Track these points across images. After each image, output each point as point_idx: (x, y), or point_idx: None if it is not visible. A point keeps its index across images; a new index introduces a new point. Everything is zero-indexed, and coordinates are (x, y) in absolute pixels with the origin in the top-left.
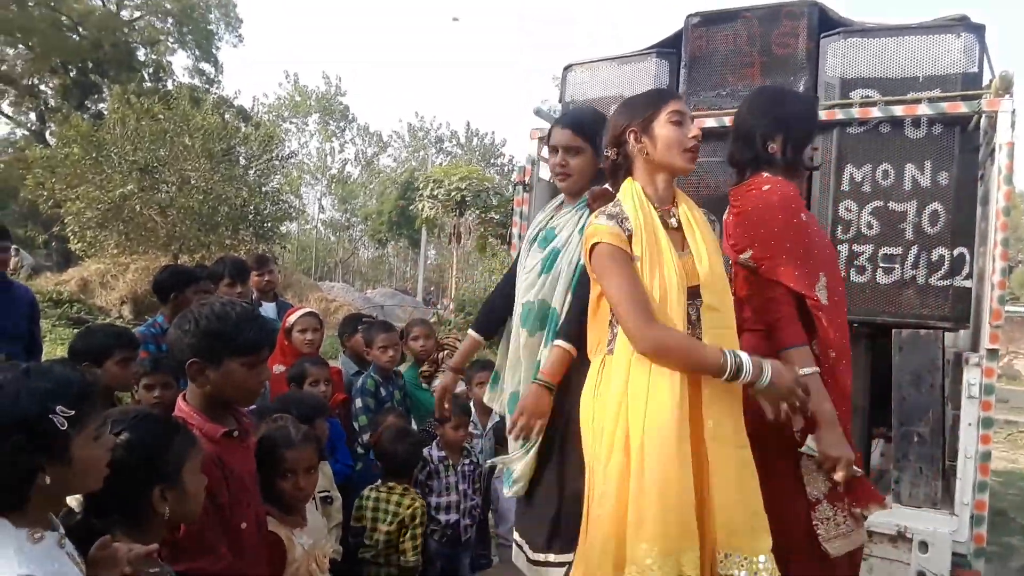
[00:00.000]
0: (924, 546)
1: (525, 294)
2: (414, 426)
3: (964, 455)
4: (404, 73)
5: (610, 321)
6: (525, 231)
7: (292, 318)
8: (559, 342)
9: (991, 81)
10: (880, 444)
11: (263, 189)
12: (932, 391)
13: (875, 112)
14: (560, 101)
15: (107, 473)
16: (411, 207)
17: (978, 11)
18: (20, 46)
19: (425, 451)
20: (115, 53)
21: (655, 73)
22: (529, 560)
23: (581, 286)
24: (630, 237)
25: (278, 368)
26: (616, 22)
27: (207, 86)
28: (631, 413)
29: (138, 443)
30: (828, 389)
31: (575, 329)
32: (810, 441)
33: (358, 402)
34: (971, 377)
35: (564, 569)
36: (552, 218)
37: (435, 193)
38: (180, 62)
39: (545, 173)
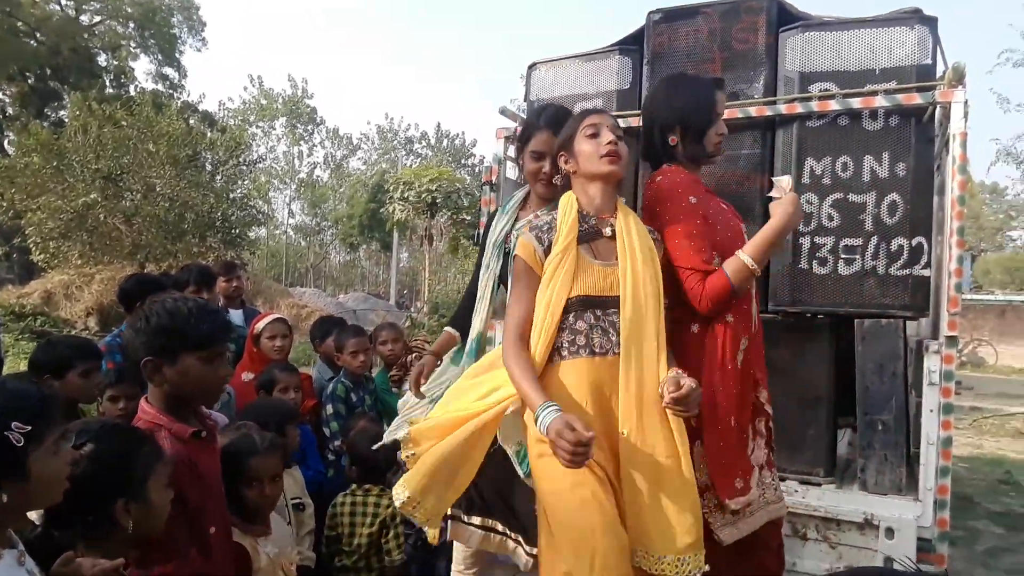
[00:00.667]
0: (890, 532)
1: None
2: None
3: (927, 441)
4: (372, 74)
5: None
6: None
7: (260, 324)
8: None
9: (944, 73)
10: (847, 434)
11: (230, 195)
12: (895, 379)
13: (833, 105)
14: (525, 99)
15: (67, 487)
16: (382, 210)
17: (929, 3)
18: None
19: (399, 455)
20: (75, 59)
21: (618, 70)
22: (529, 555)
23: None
24: (547, 249)
25: (247, 376)
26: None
27: (171, 91)
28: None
29: (102, 455)
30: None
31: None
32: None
33: (329, 408)
34: (931, 364)
35: None
36: (518, 221)
37: (406, 195)
38: (143, 67)
39: (512, 173)
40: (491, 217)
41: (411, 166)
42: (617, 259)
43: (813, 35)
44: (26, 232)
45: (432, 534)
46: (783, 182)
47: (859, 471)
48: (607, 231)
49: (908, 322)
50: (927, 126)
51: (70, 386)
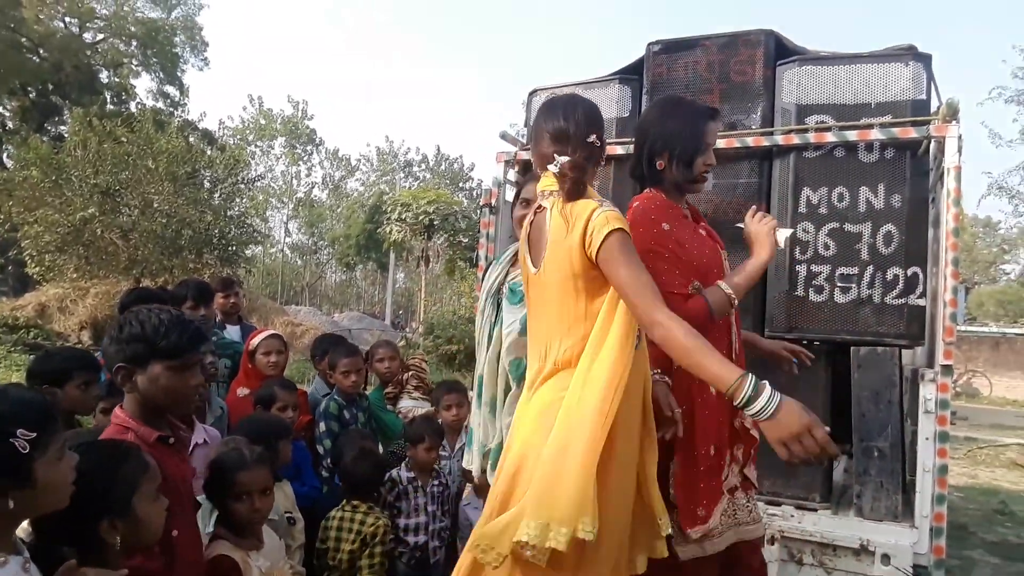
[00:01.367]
0: (886, 559)
1: (511, 353)
2: (380, 448)
3: (922, 469)
4: (373, 97)
5: (573, 343)
6: (492, 252)
7: (255, 341)
8: None
9: (939, 108)
10: (843, 460)
11: (228, 212)
12: (890, 407)
13: (830, 137)
14: (525, 125)
15: (73, 491)
16: (379, 230)
17: (924, 41)
18: None
19: (394, 472)
20: (77, 75)
21: (617, 98)
22: None
23: None
24: None
25: (242, 391)
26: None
27: (171, 109)
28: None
29: (83, 472)
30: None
31: None
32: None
33: (321, 426)
34: (927, 392)
35: None
36: (509, 274)
37: (403, 216)
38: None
39: (511, 196)
40: (488, 263)
41: (409, 188)
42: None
43: (810, 69)
44: (22, 245)
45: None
46: (784, 234)
47: (855, 497)
48: None
49: (903, 351)
50: (922, 159)
51: (68, 397)
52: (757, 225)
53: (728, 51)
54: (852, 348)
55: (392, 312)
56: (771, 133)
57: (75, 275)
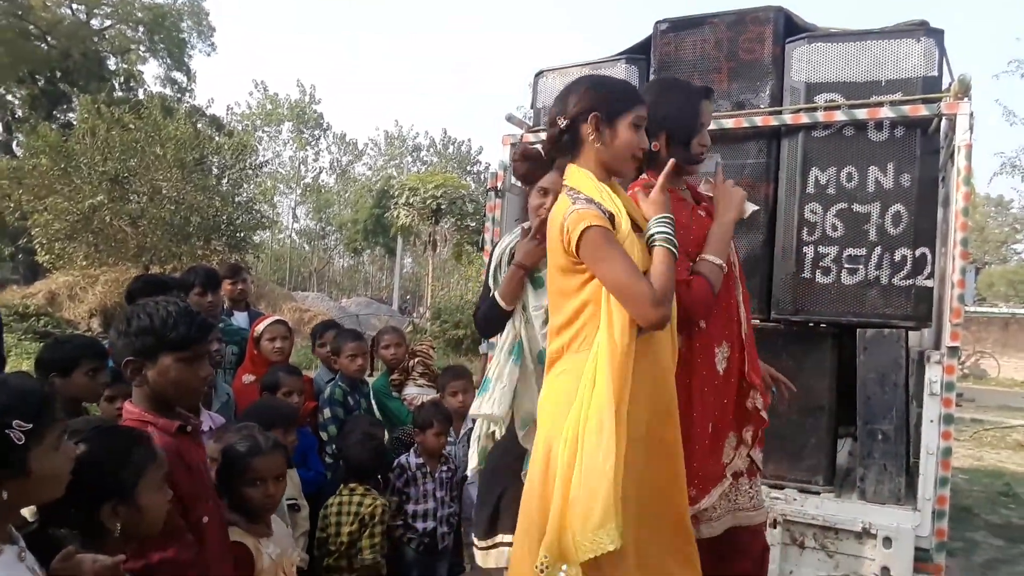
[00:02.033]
0: (888, 541)
1: (535, 343)
2: (385, 435)
3: (926, 451)
4: (382, 80)
5: (577, 325)
6: (499, 236)
7: (260, 327)
8: None
9: (950, 84)
10: (847, 443)
11: (236, 199)
12: (896, 389)
13: (839, 116)
14: (532, 107)
15: (69, 480)
16: (386, 215)
17: (937, 16)
18: None
19: (403, 458)
20: (84, 62)
21: (625, 78)
22: (479, 548)
23: None
24: (611, 219)
25: (248, 378)
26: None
27: (179, 95)
28: (586, 410)
29: (91, 456)
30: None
31: None
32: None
33: (326, 412)
34: (933, 375)
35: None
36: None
37: (411, 201)
38: (151, 71)
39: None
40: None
41: (417, 172)
42: None
43: (819, 46)
44: (32, 233)
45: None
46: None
47: (858, 480)
48: None
49: (910, 332)
50: (932, 137)
51: (76, 385)
52: (729, 187)
53: (737, 29)
54: (858, 330)
55: (399, 297)
56: (780, 112)
57: (84, 263)
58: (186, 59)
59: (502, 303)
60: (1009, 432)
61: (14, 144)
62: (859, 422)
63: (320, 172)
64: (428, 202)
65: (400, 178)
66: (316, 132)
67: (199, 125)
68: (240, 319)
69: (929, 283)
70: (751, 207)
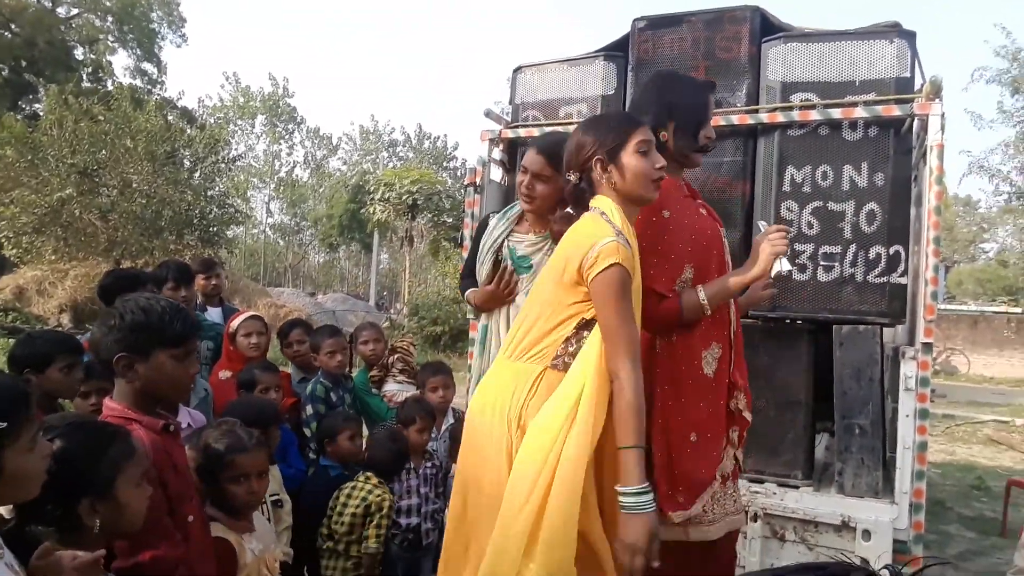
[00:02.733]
0: (867, 534)
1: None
2: (364, 430)
3: (902, 445)
4: (356, 75)
5: (567, 338)
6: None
7: (235, 322)
8: None
9: (922, 85)
10: (824, 438)
11: (208, 193)
12: (872, 384)
13: (814, 115)
14: (510, 103)
15: (44, 480)
16: (362, 211)
17: (908, 18)
18: None
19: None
20: (51, 51)
21: (603, 75)
22: None
23: None
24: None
25: (224, 374)
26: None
27: (149, 87)
28: (571, 433)
29: (67, 452)
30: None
31: None
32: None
33: (308, 409)
34: (907, 370)
35: None
36: (512, 234)
37: (387, 196)
38: (121, 62)
39: (496, 175)
40: (483, 221)
41: (393, 168)
42: None
43: (795, 46)
44: None
45: None
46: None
47: (836, 474)
48: None
49: (885, 329)
50: (905, 137)
51: (51, 381)
52: (768, 243)
53: (714, 27)
54: (834, 326)
55: (376, 293)
56: (756, 111)
57: (53, 257)
58: (156, 50)
59: (471, 305)
60: (980, 427)
61: None
62: (836, 417)
63: (294, 166)
64: (404, 198)
65: (376, 173)
66: (290, 126)
67: (170, 117)
68: (214, 314)
69: (903, 280)
70: (783, 265)
